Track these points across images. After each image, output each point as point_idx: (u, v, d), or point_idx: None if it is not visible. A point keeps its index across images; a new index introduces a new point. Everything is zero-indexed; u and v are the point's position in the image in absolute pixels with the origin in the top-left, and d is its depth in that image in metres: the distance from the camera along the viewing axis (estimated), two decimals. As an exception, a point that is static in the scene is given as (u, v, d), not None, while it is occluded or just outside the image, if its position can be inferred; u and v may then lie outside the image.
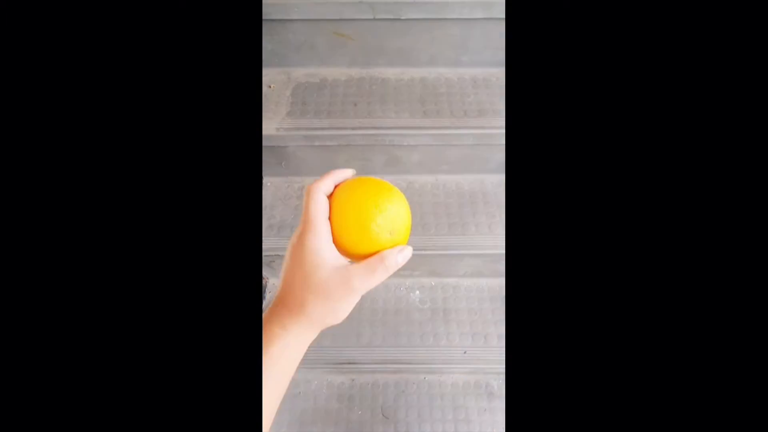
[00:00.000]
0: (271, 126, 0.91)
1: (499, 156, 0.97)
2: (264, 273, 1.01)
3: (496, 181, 1.01)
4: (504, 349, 0.92)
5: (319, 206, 0.30)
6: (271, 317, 0.30)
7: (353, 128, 0.92)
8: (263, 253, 0.92)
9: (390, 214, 0.30)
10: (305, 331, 0.29)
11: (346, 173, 0.32)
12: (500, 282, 1.02)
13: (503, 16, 0.91)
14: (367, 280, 0.29)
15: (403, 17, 0.91)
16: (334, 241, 0.30)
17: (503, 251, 0.92)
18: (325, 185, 0.30)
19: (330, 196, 0.31)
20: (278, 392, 0.29)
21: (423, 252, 0.92)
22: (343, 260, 0.30)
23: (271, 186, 1.02)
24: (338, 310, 0.29)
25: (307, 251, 0.29)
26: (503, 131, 0.91)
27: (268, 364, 0.28)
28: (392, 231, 0.30)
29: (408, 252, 0.30)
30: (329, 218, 0.30)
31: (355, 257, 0.30)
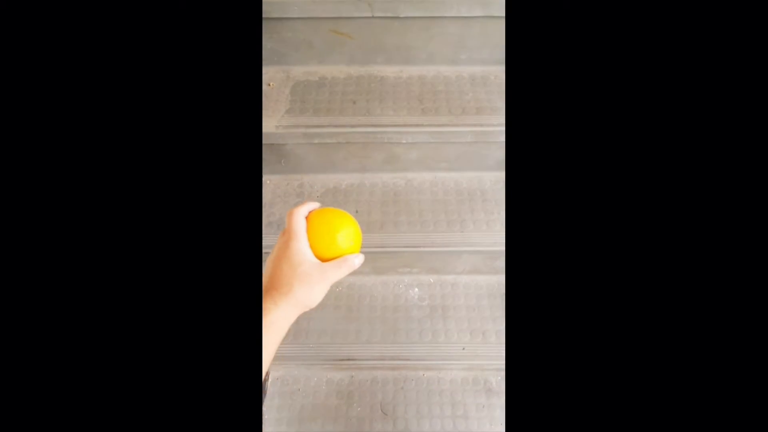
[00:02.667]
0: (270, 124, 0.92)
1: (498, 153, 0.97)
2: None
3: (495, 179, 1.01)
4: (502, 345, 0.93)
5: (300, 224, 0.43)
6: (264, 297, 0.39)
7: (352, 126, 0.92)
8: (263, 250, 0.92)
9: (348, 231, 0.44)
10: (291, 308, 0.40)
11: (316, 204, 0.46)
12: (498, 279, 1.02)
13: (502, 14, 0.91)
14: (335, 273, 0.41)
15: (401, 15, 0.91)
16: (310, 248, 0.42)
17: (501, 248, 0.92)
18: (303, 210, 0.44)
19: (306, 218, 0.44)
20: (270, 351, 0.38)
21: (422, 249, 0.92)
22: (317, 260, 0.42)
23: (271, 184, 1.02)
24: (316, 293, 0.40)
25: (293, 252, 0.41)
26: (501, 129, 0.91)
27: (264, 330, 0.37)
28: (351, 242, 0.44)
29: (361, 258, 0.44)
30: (306, 232, 0.43)
31: (325, 260, 0.43)
